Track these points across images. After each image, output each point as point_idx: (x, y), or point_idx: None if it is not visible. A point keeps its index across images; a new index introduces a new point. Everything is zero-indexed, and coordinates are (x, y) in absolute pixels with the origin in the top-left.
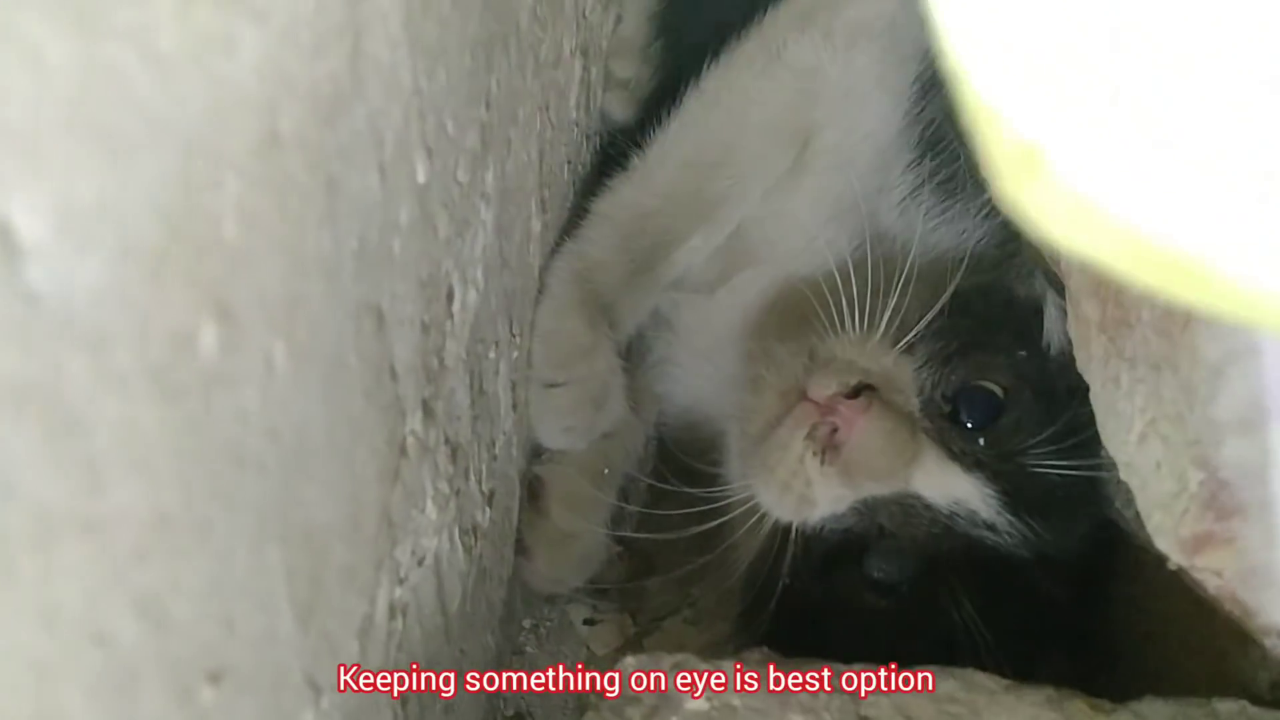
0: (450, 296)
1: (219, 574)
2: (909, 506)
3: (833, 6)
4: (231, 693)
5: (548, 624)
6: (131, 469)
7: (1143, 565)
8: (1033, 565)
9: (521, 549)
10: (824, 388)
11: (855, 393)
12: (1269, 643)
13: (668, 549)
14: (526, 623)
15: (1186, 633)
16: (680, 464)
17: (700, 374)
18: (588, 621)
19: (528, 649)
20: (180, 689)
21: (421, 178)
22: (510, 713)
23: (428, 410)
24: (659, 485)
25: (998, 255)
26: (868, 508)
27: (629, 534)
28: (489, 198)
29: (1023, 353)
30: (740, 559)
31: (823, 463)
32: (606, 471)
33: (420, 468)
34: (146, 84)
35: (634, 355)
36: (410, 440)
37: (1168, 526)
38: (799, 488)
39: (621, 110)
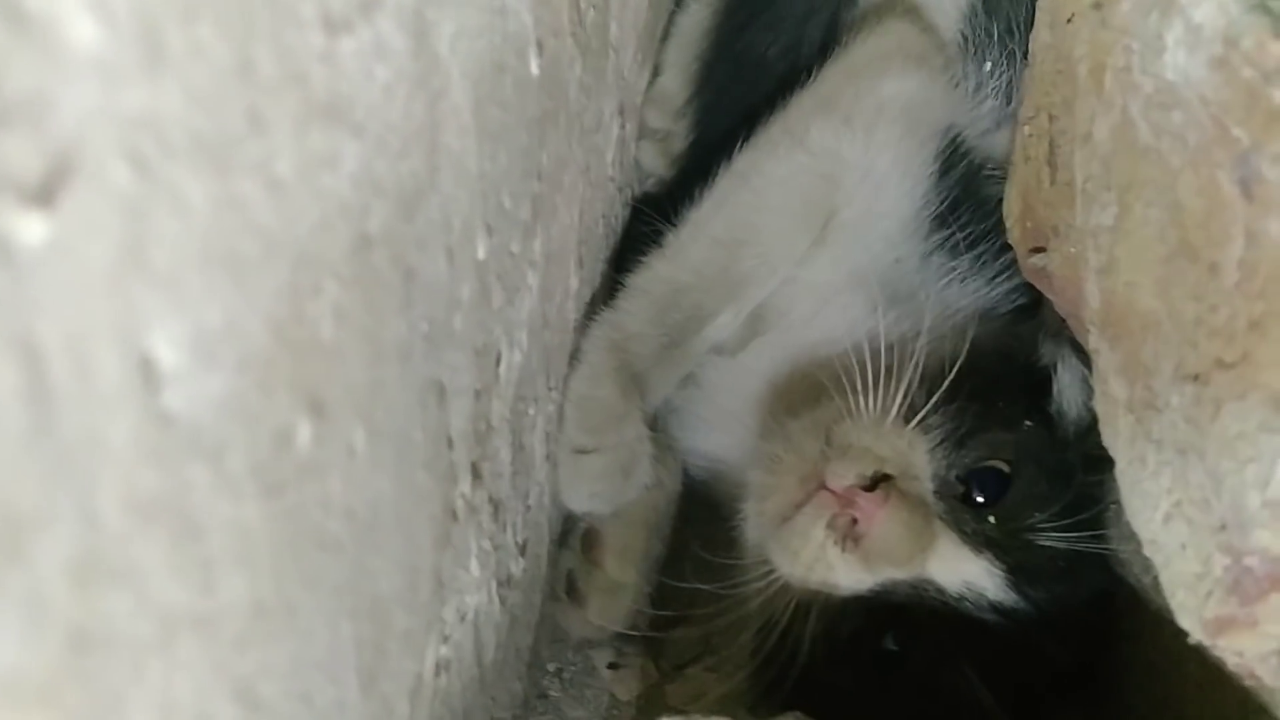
0: (498, 361)
1: (301, 653)
2: (922, 589)
3: (853, 93)
4: None
5: (572, 668)
6: (237, 564)
7: (1160, 630)
8: (1038, 633)
9: (574, 597)
10: (842, 478)
11: (873, 484)
12: None
13: (692, 598)
14: (551, 667)
15: (1203, 700)
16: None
17: (725, 432)
18: (611, 665)
19: (551, 692)
20: None
21: (481, 255)
22: None
23: (476, 473)
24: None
25: (1010, 319)
26: (884, 589)
27: (663, 579)
28: (536, 264)
29: (1028, 423)
30: (757, 615)
31: (843, 550)
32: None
33: (467, 529)
34: (266, 208)
35: (663, 410)
36: (460, 504)
37: (1191, 606)
38: (821, 571)
39: (653, 160)
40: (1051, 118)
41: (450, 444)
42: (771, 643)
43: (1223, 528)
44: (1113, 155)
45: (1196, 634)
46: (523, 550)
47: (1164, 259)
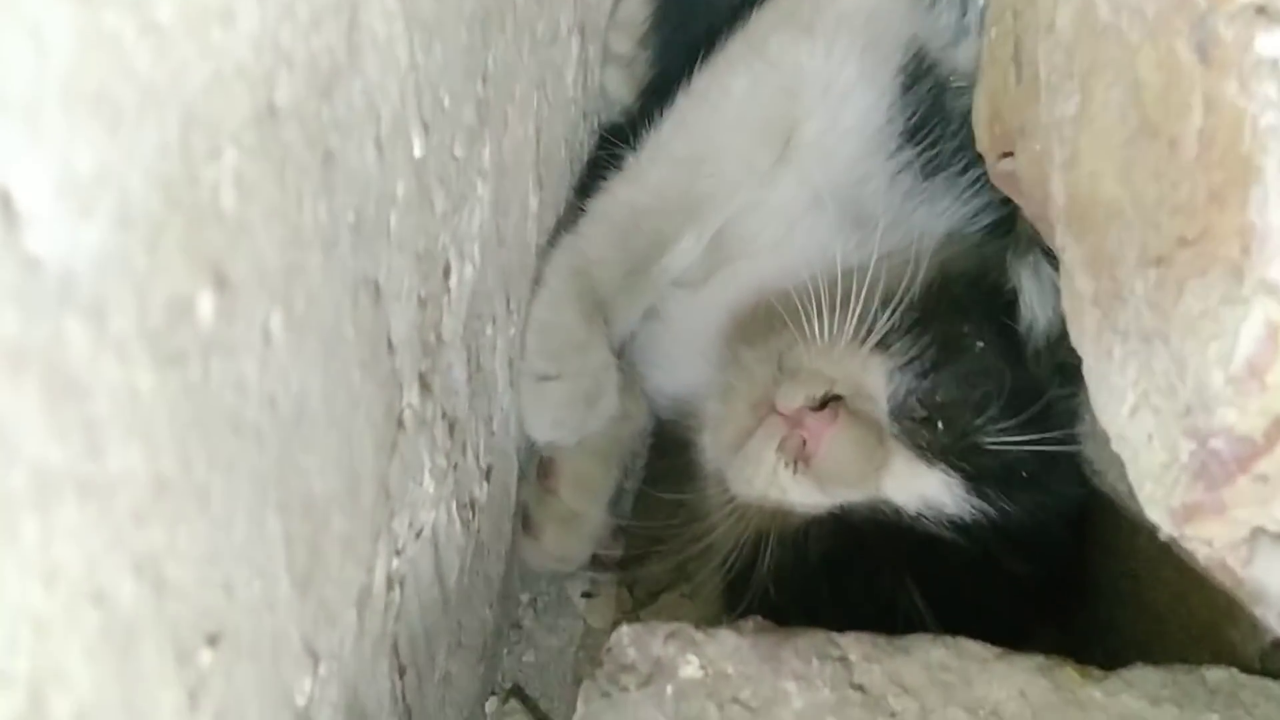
0: (447, 272)
1: (217, 539)
2: (878, 511)
3: (814, 4)
4: (230, 656)
5: (545, 598)
6: (130, 433)
7: (1136, 539)
8: (1003, 549)
9: (529, 527)
10: (791, 400)
11: (823, 404)
12: (1258, 612)
13: (666, 528)
14: (524, 597)
15: (1178, 604)
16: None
17: (689, 367)
18: (585, 595)
19: (525, 623)
20: (178, 650)
21: (418, 153)
22: (508, 685)
23: (425, 384)
24: (654, 465)
25: (980, 239)
26: (843, 511)
27: (630, 521)
28: (486, 174)
29: (982, 343)
30: (722, 543)
31: (795, 472)
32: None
33: (417, 441)
34: (144, 55)
35: (628, 345)
36: (408, 413)
37: (1159, 497)
38: (775, 494)
39: (619, 88)
40: (1016, 14)
41: (391, 348)
42: (737, 568)
43: (1188, 412)
44: (1075, 41)
45: (1165, 526)
46: (487, 475)
47: (1125, 142)
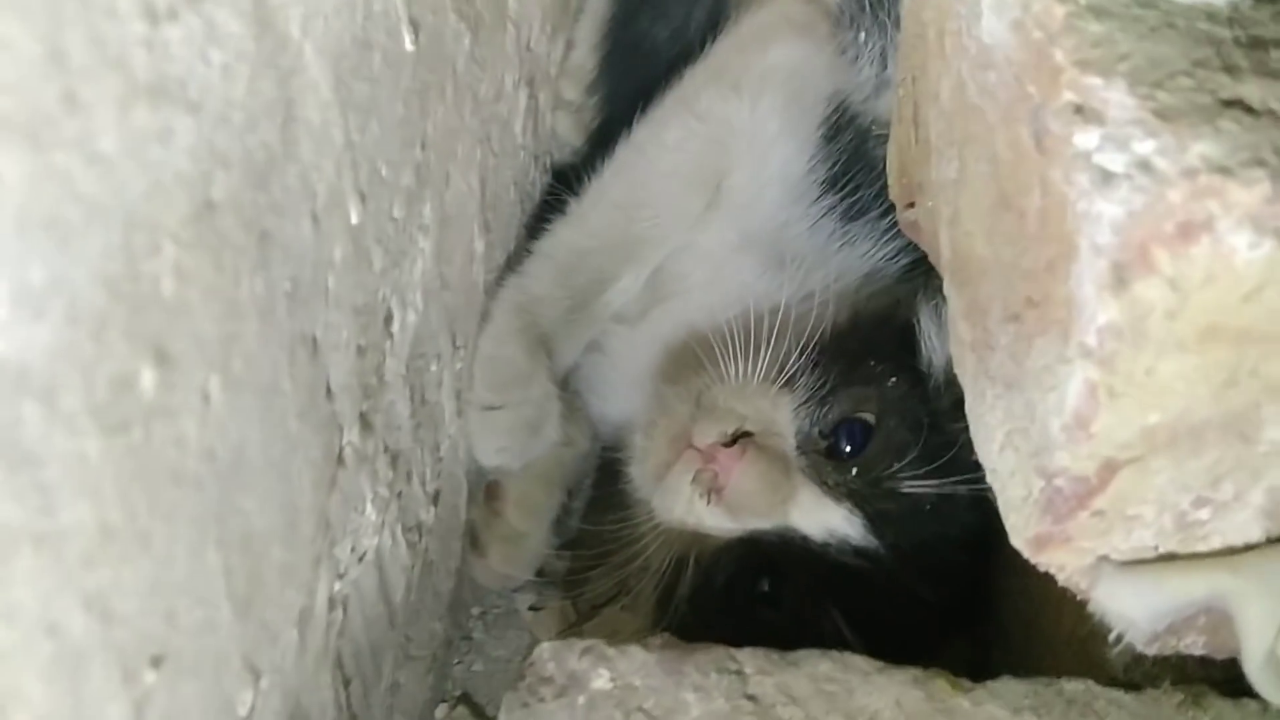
0: (389, 320)
1: (159, 575)
2: (789, 537)
3: (741, 62)
4: (172, 675)
5: (495, 611)
6: (79, 492)
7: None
8: (907, 574)
9: (477, 546)
10: (705, 436)
11: (734, 440)
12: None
13: (607, 546)
14: (475, 610)
15: (1058, 620)
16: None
17: (626, 398)
18: (532, 609)
19: (475, 634)
20: (124, 672)
21: (355, 220)
22: (458, 693)
23: (365, 423)
24: (599, 488)
25: (896, 281)
26: (754, 537)
27: (567, 546)
28: (427, 228)
29: (893, 379)
30: (652, 562)
31: (709, 502)
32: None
33: (358, 475)
34: (89, 179)
35: (572, 376)
36: (348, 451)
37: (1019, 527)
38: (693, 521)
39: (569, 131)
40: (914, 80)
41: (330, 395)
42: (664, 586)
43: (1037, 453)
44: (954, 113)
45: (1025, 553)
46: (435, 499)
47: (990, 209)
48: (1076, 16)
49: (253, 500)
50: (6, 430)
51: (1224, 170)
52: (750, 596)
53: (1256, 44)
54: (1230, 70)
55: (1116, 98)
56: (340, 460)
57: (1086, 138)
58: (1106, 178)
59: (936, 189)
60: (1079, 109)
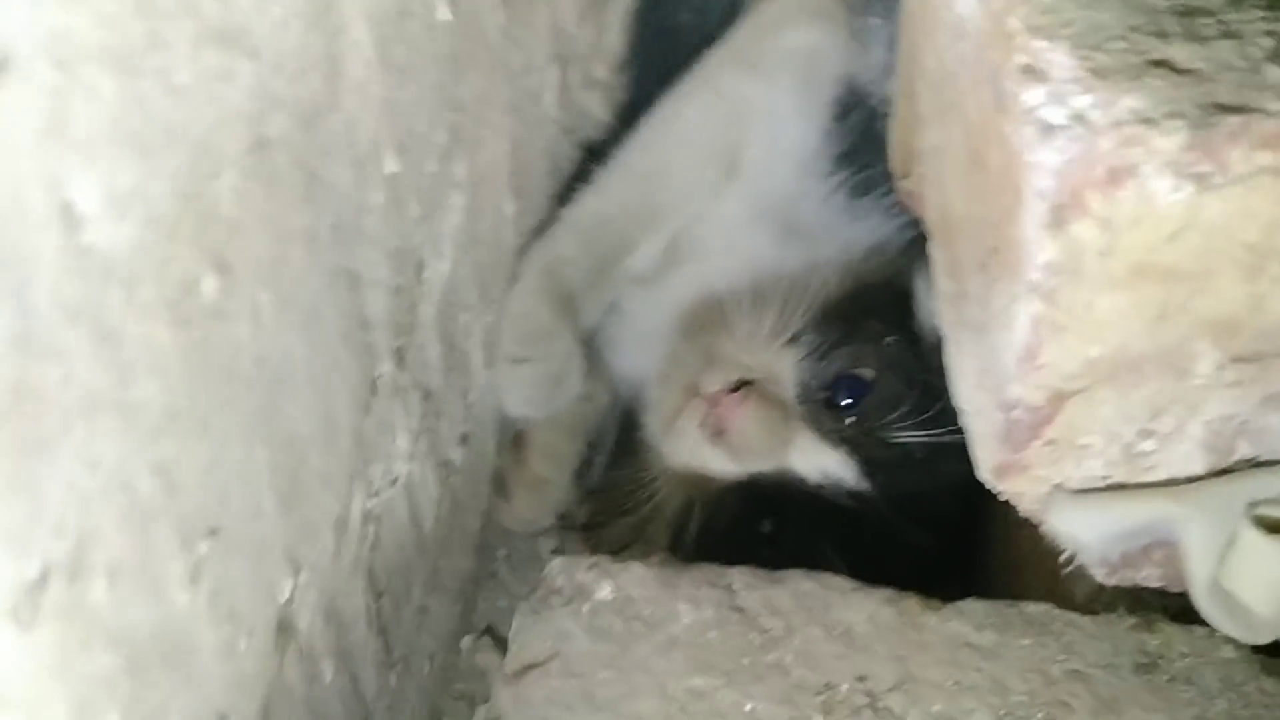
0: (421, 266)
1: (215, 458)
2: (787, 479)
3: (759, 44)
4: (223, 549)
5: (519, 553)
6: (151, 372)
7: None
8: (898, 517)
9: (502, 490)
10: (711, 384)
11: (737, 388)
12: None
13: (625, 494)
14: (501, 552)
15: (1030, 555)
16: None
17: (644, 355)
18: (554, 552)
19: (501, 573)
20: (183, 535)
21: (391, 169)
22: (483, 625)
23: (399, 358)
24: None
25: (902, 251)
26: (757, 480)
27: (589, 495)
28: (460, 185)
29: (890, 339)
30: (665, 506)
31: (713, 445)
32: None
33: (392, 404)
34: (166, 106)
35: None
36: (382, 380)
37: (985, 459)
38: (699, 464)
39: (599, 109)
40: (909, 56)
41: (366, 326)
42: (675, 527)
43: (998, 388)
44: (937, 83)
45: (989, 482)
46: (463, 441)
47: (964, 169)
48: None
49: (296, 408)
50: (94, 310)
51: (1148, 121)
52: (753, 535)
53: (1188, 11)
54: (1161, 35)
55: (1059, 59)
56: (374, 388)
57: (1033, 94)
58: (1048, 129)
59: (925, 156)
60: (1028, 69)
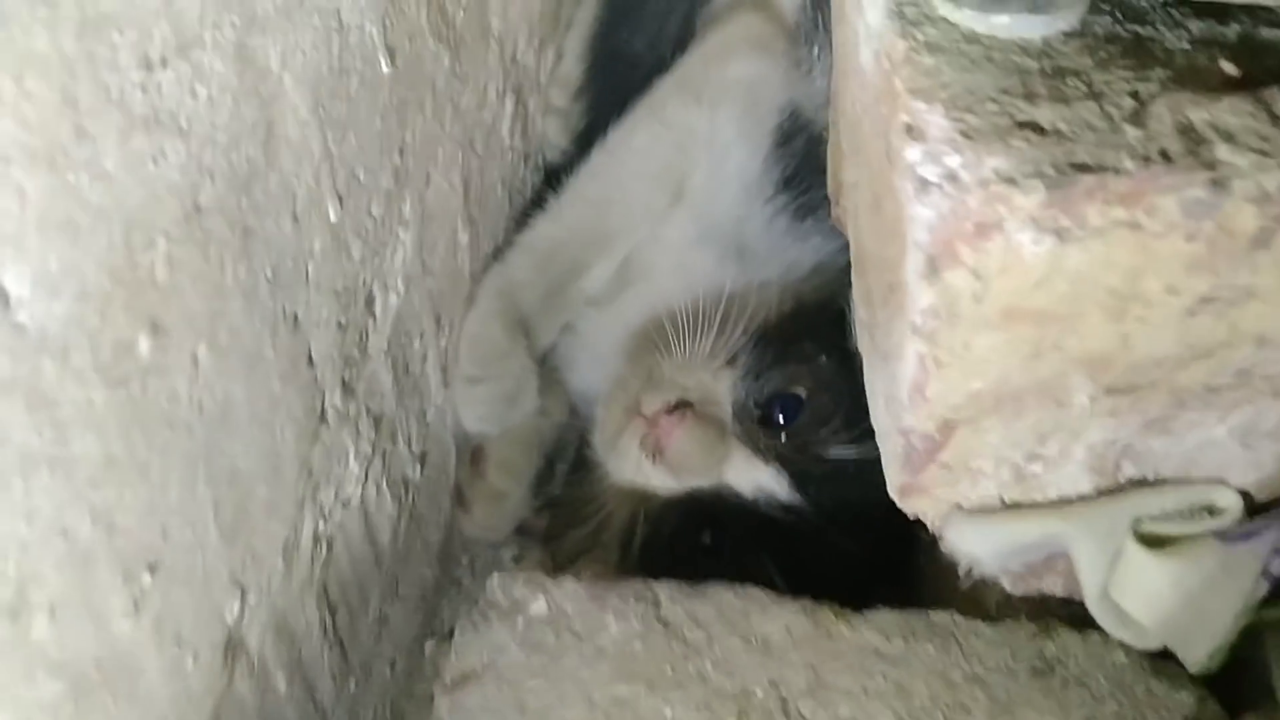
0: (371, 301)
1: (155, 499)
2: (725, 494)
3: (704, 74)
4: (165, 580)
5: (482, 560)
6: (86, 428)
7: None
8: (831, 530)
9: (462, 502)
10: (651, 405)
11: (675, 408)
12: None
13: (578, 507)
14: (464, 560)
15: (949, 565)
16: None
17: (597, 374)
18: (514, 559)
19: (464, 581)
20: (125, 573)
21: (334, 217)
22: (447, 630)
23: (347, 388)
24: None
25: (842, 269)
26: (696, 495)
27: (548, 506)
28: (407, 223)
29: (824, 358)
30: (614, 518)
31: (653, 463)
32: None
33: (340, 432)
34: (95, 192)
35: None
36: (330, 411)
37: (891, 479)
38: (641, 480)
39: (558, 135)
40: (836, 93)
41: (311, 363)
42: (623, 538)
43: (898, 414)
44: (852, 125)
45: (897, 501)
46: (421, 459)
47: (869, 208)
48: (914, 51)
49: (238, 445)
50: (29, 379)
51: (1010, 180)
52: (695, 548)
53: (1058, 73)
54: (1030, 97)
55: (935, 119)
56: (323, 418)
57: (913, 152)
58: (924, 185)
59: (848, 190)
60: (909, 128)
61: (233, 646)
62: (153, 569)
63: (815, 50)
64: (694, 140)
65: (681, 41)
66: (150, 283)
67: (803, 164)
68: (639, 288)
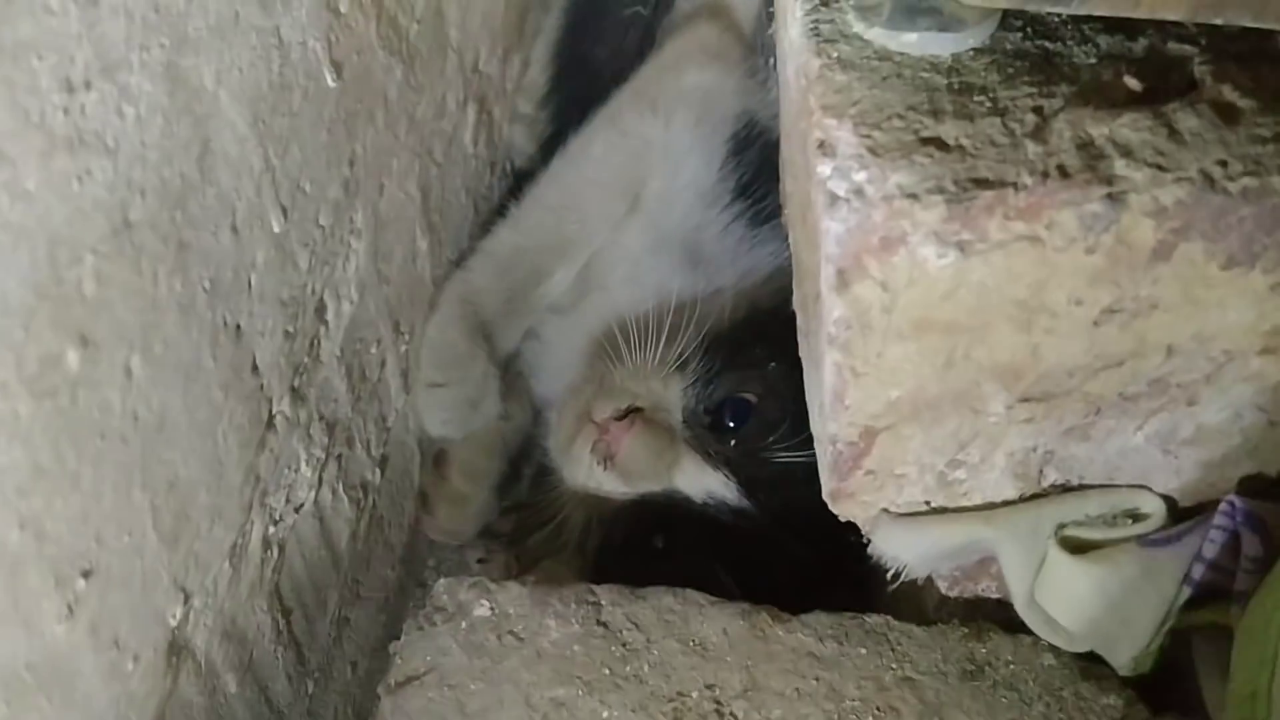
0: (321, 310)
1: (88, 507)
2: (675, 499)
3: (660, 84)
4: (102, 586)
5: (448, 563)
6: (13, 440)
7: None
8: (780, 533)
9: (425, 505)
10: (602, 412)
11: (626, 414)
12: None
13: (539, 510)
14: (430, 561)
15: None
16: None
17: (558, 379)
18: (480, 561)
19: (430, 582)
20: (57, 579)
21: (277, 228)
22: None
23: (297, 395)
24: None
25: None
26: (648, 499)
27: (513, 508)
28: (359, 232)
29: (774, 364)
30: (570, 522)
31: (604, 469)
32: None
33: (290, 438)
34: (16, 211)
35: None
36: (279, 418)
37: (824, 484)
38: (594, 485)
39: (524, 142)
40: (781, 103)
41: (256, 371)
42: (579, 541)
43: (824, 421)
44: (787, 136)
45: (830, 506)
46: (382, 463)
47: (800, 219)
48: (827, 68)
49: (177, 453)
50: None
51: (912, 196)
52: (647, 551)
53: (965, 89)
54: (936, 113)
55: (844, 135)
56: (270, 425)
57: (824, 167)
58: (834, 200)
59: (788, 198)
60: (822, 144)
61: (177, 649)
62: (87, 574)
63: (770, 60)
64: (650, 149)
65: (643, 50)
66: (78, 297)
67: (759, 172)
68: (597, 295)
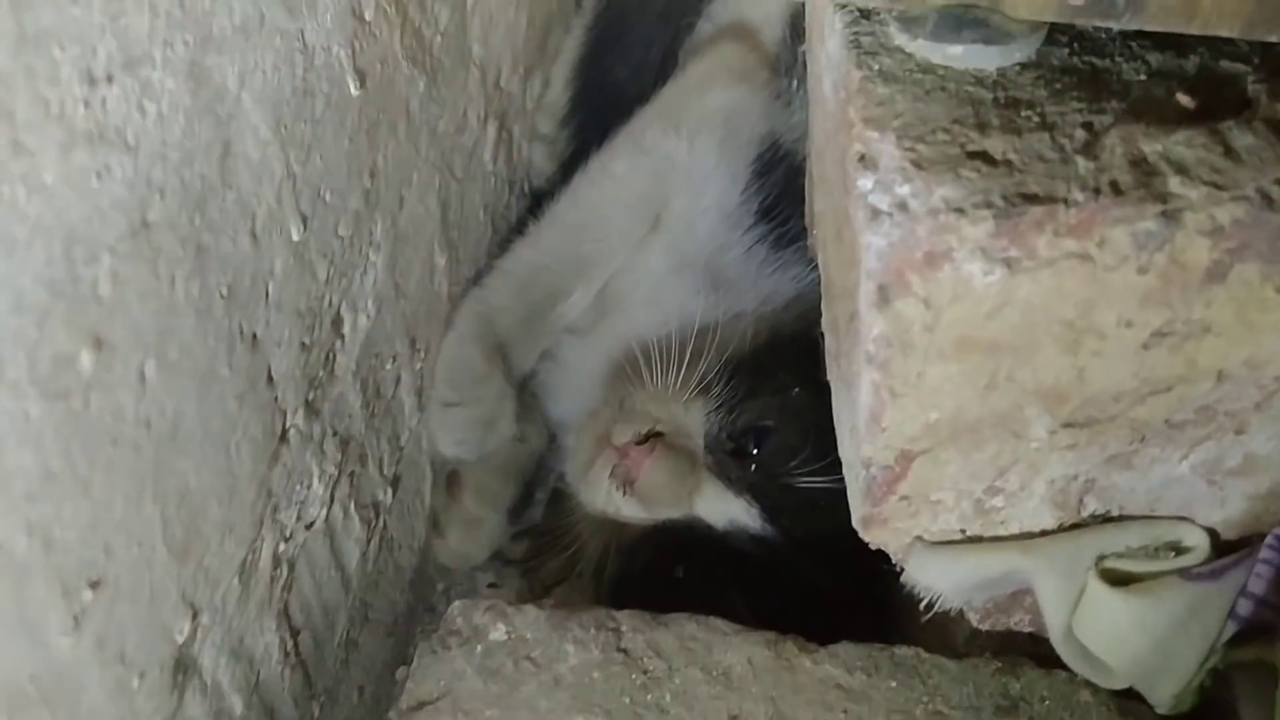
0: (338, 322)
1: (98, 516)
2: (696, 526)
3: (684, 104)
4: (109, 597)
5: (458, 586)
6: (23, 442)
7: None
8: (802, 562)
9: (437, 528)
10: (622, 435)
11: (646, 439)
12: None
13: (555, 535)
14: (440, 585)
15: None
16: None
17: (576, 402)
18: (491, 585)
19: (439, 606)
20: (64, 588)
21: (296, 237)
22: None
23: (312, 409)
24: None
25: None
26: (668, 526)
27: (527, 533)
28: (378, 245)
29: (797, 390)
30: (588, 547)
31: (624, 494)
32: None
33: (303, 453)
34: (33, 205)
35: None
36: (292, 432)
37: (854, 511)
38: (613, 511)
39: (544, 161)
40: (810, 123)
41: (271, 383)
42: (597, 568)
43: (859, 445)
44: (818, 155)
45: (861, 533)
46: (394, 483)
47: (834, 238)
48: (868, 80)
49: (189, 463)
50: None
51: (959, 210)
52: (666, 579)
53: (1011, 104)
54: (982, 127)
55: (887, 149)
56: (284, 438)
57: (865, 181)
58: (875, 214)
59: (818, 219)
60: (862, 157)
61: (183, 666)
62: (95, 585)
63: (795, 82)
64: (672, 169)
65: (665, 71)
66: (93, 297)
67: (783, 194)
68: (617, 316)
